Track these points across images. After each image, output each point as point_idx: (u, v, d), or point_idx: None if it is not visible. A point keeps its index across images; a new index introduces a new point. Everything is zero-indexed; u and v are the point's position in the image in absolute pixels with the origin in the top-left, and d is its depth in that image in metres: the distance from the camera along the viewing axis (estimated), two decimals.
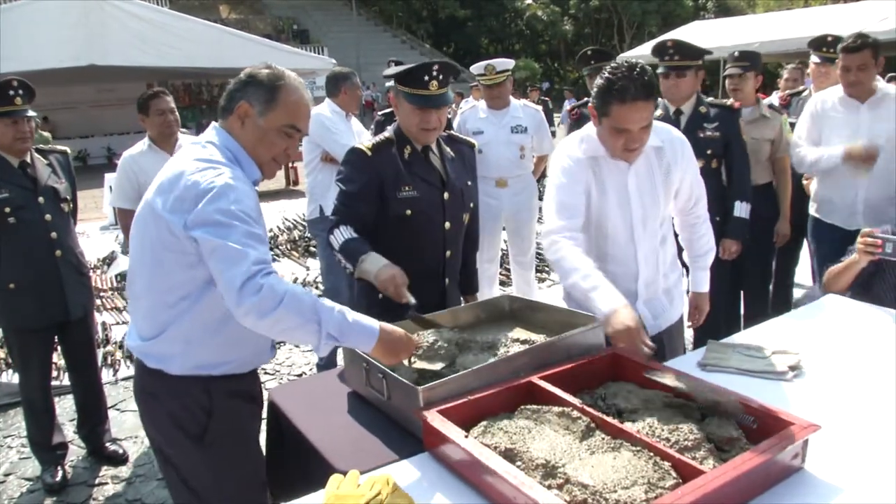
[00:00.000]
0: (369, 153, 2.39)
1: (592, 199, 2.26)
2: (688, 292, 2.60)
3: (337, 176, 2.50)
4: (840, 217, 3.46)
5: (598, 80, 2.09)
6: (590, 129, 2.26)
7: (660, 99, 3.77)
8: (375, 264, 2.20)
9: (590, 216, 2.27)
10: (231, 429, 1.87)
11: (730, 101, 3.54)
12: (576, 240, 2.14)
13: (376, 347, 1.71)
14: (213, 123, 1.87)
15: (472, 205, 2.61)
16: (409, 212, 2.40)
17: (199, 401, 1.83)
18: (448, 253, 2.50)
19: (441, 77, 2.32)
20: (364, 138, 3.93)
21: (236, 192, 1.65)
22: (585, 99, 3.79)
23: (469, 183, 2.60)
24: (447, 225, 2.47)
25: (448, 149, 2.56)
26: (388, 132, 2.49)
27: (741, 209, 3.42)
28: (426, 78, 2.30)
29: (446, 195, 2.47)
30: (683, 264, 2.56)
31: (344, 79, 4.47)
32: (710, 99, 3.52)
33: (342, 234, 2.34)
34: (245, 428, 1.93)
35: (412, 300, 2.14)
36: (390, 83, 2.61)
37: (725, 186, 3.48)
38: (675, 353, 2.46)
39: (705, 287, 2.54)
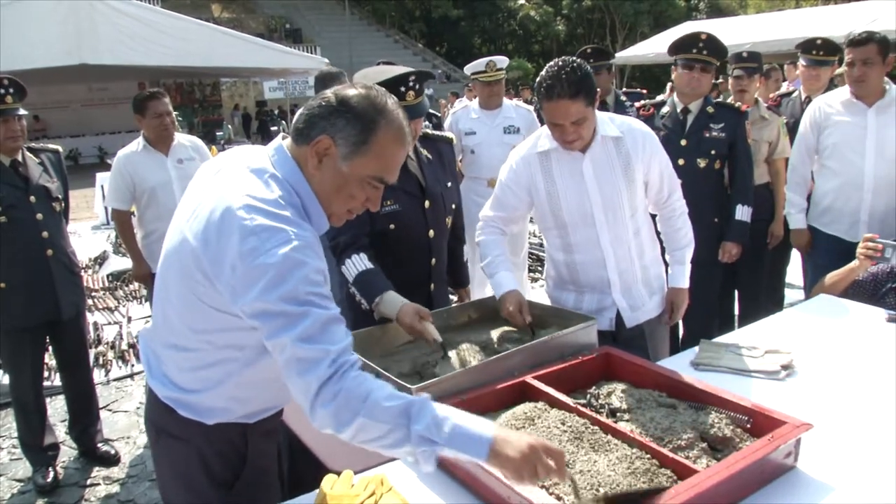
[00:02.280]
0: None
1: (541, 192, 2.34)
2: None
3: None
4: (841, 227, 3.37)
5: (538, 79, 2.17)
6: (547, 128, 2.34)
7: (665, 96, 3.78)
8: (393, 306, 2.09)
9: (544, 209, 2.37)
10: (260, 471, 1.68)
11: (737, 104, 3.53)
12: (500, 231, 2.48)
13: (492, 460, 1.28)
14: (279, 141, 1.49)
15: (453, 206, 2.56)
16: (392, 226, 2.32)
17: (237, 446, 1.61)
18: (433, 261, 2.46)
19: (417, 87, 2.27)
20: None
21: (306, 268, 1.31)
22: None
23: (449, 185, 2.53)
24: (431, 233, 2.42)
25: (424, 151, 2.48)
26: None
27: (742, 213, 3.40)
28: (402, 89, 2.22)
29: (427, 203, 2.39)
30: (668, 263, 2.57)
31: (332, 79, 4.45)
32: (718, 100, 3.52)
33: (355, 266, 2.21)
34: (270, 468, 1.73)
35: (439, 338, 2.03)
36: None
37: (726, 188, 3.48)
38: (658, 347, 2.48)
39: (684, 282, 2.50)
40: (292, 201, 1.40)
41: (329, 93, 1.43)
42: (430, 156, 2.49)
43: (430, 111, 4.68)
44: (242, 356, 1.48)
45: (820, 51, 4.13)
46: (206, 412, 1.54)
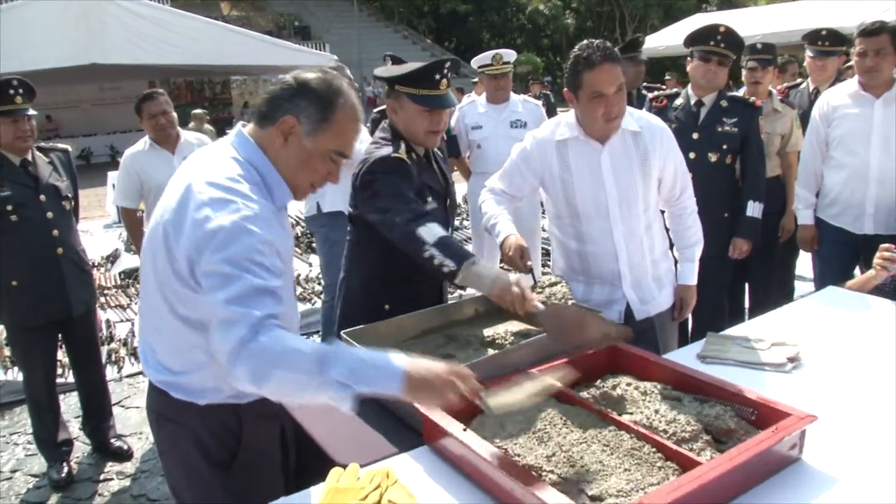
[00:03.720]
0: (409, 161, 2.22)
1: (556, 180, 2.33)
2: None
3: (373, 188, 2.20)
4: (847, 220, 3.36)
5: (568, 64, 2.19)
6: (568, 115, 2.33)
7: (678, 88, 3.76)
8: (490, 271, 1.97)
9: (559, 197, 2.36)
10: (258, 454, 1.73)
11: (752, 98, 3.50)
12: (505, 197, 2.45)
13: (407, 389, 1.35)
14: (239, 128, 1.61)
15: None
16: None
17: (230, 427, 1.68)
18: None
19: (449, 75, 2.25)
20: (362, 135, 3.91)
21: (252, 237, 1.39)
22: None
23: (452, 182, 2.55)
24: (448, 231, 2.44)
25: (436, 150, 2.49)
26: (386, 133, 2.31)
27: (754, 209, 3.37)
28: (437, 77, 2.18)
29: (448, 201, 2.43)
30: (675, 258, 2.57)
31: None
32: (732, 94, 3.49)
33: (434, 230, 2.04)
34: (270, 452, 1.78)
35: (540, 306, 1.94)
36: (370, 84, 2.44)
37: (738, 183, 3.46)
38: (667, 340, 2.48)
39: (692, 280, 2.52)
40: (251, 178, 1.50)
41: (289, 77, 1.55)
42: (440, 153, 2.53)
43: None
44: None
45: (825, 41, 4.09)
46: (198, 393, 1.61)
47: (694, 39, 3.34)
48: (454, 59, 2.34)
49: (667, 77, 16.37)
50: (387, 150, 2.23)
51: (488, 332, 2.15)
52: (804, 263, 4.36)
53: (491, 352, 1.97)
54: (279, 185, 1.56)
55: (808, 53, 4.17)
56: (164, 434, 1.70)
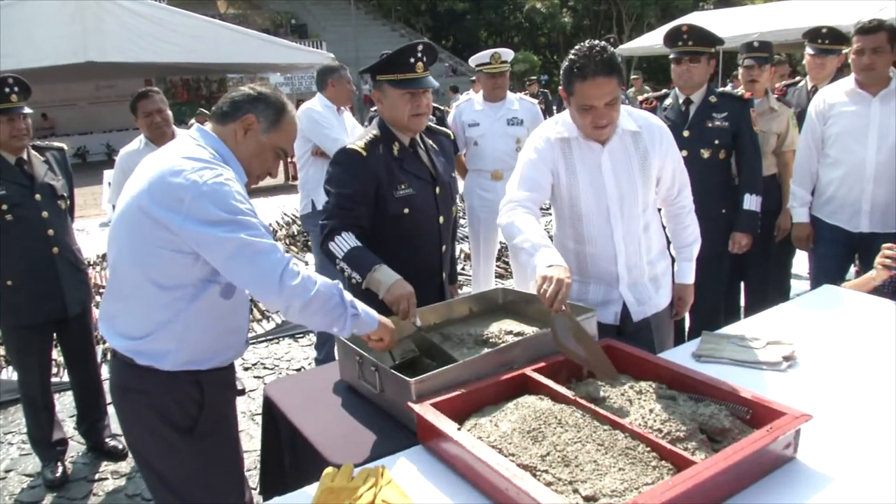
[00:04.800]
0: (364, 153, 2.33)
1: (561, 180, 2.29)
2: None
3: (327, 179, 2.40)
4: (843, 218, 3.35)
5: (564, 63, 2.14)
6: (564, 114, 2.31)
7: (669, 88, 3.76)
8: (389, 277, 2.15)
9: (562, 197, 2.32)
10: (219, 420, 1.93)
11: (740, 92, 3.50)
12: (533, 211, 2.20)
13: (374, 332, 1.86)
14: (197, 125, 1.90)
15: (456, 196, 2.62)
16: (406, 210, 2.37)
17: (191, 394, 1.86)
18: (444, 247, 2.51)
19: (425, 58, 2.31)
20: (357, 132, 3.91)
21: (238, 191, 1.71)
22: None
23: (453, 175, 2.60)
24: (441, 220, 2.47)
25: (430, 141, 2.54)
26: (374, 129, 2.43)
27: (752, 202, 3.38)
28: (412, 60, 2.27)
29: (438, 189, 2.46)
30: (673, 257, 2.56)
31: (332, 72, 4.46)
32: (721, 89, 3.49)
33: (345, 242, 2.24)
34: (230, 418, 2.02)
35: (418, 322, 2.12)
36: (367, 83, 2.53)
37: (734, 178, 3.46)
38: (663, 340, 2.47)
39: (690, 279, 2.53)
40: (216, 158, 1.78)
41: (247, 88, 1.89)
42: (435, 146, 2.52)
43: (435, 105, 4.67)
44: (185, 294, 1.77)
45: (825, 39, 4.09)
46: (161, 355, 1.80)
47: (666, 43, 3.38)
48: (427, 42, 2.39)
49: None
50: (354, 142, 2.39)
51: (483, 330, 2.15)
52: (801, 262, 4.36)
53: (485, 350, 1.96)
54: (236, 166, 1.84)
55: (808, 51, 4.16)
56: (128, 406, 1.87)
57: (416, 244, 2.41)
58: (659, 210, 2.51)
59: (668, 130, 2.36)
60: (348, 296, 1.80)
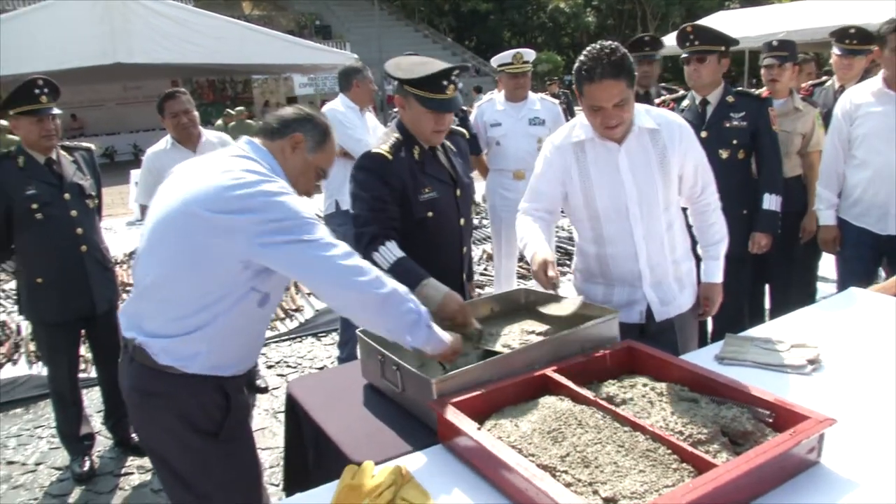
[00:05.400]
0: (390, 157, 2.33)
1: (574, 183, 2.31)
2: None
3: (354, 185, 2.39)
4: (870, 220, 3.30)
5: (576, 64, 2.15)
6: (582, 117, 2.30)
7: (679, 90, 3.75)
8: (438, 292, 2.13)
9: (577, 200, 2.33)
10: (240, 423, 1.95)
11: (758, 91, 3.47)
12: (542, 218, 2.37)
13: (440, 351, 1.85)
14: (247, 138, 1.92)
15: (474, 197, 2.63)
16: (430, 213, 2.38)
17: (216, 400, 1.87)
18: (464, 249, 2.52)
19: (456, 81, 2.31)
20: (379, 132, 3.93)
21: (300, 200, 1.77)
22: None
23: (471, 175, 2.61)
24: (462, 221, 2.49)
25: (448, 142, 2.54)
26: (395, 132, 2.42)
27: (771, 202, 3.34)
28: (445, 83, 2.27)
29: (458, 192, 2.47)
30: (698, 257, 2.54)
31: (355, 73, 4.49)
32: (739, 89, 3.46)
33: (390, 253, 2.25)
34: (247, 420, 2.05)
35: (478, 326, 2.12)
36: (390, 83, 2.53)
37: (754, 178, 3.42)
38: (687, 341, 2.45)
39: (718, 277, 2.49)
40: (272, 174, 1.81)
41: (295, 108, 1.99)
42: (453, 147, 2.54)
43: None
44: (227, 299, 1.78)
45: (853, 39, 4.03)
46: (189, 357, 1.80)
47: (678, 46, 3.37)
48: (464, 65, 2.43)
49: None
50: (379, 146, 2.38)
51: (503, 331, 2.15)
52: (827, 265, 4.30)
53: (506, 350, 1.96)
54: (285, 181, 1.85)
55: (835, 51, 4.10)
56: (149, 409, 1.86)
57: (438, 247, 2.42)
58: (685, 210, 2.49)
59: (689, 128, 2.35)
60: (422, 307, 1.81)
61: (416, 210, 2.35)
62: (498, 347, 2.01)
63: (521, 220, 2.40)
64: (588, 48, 2.13)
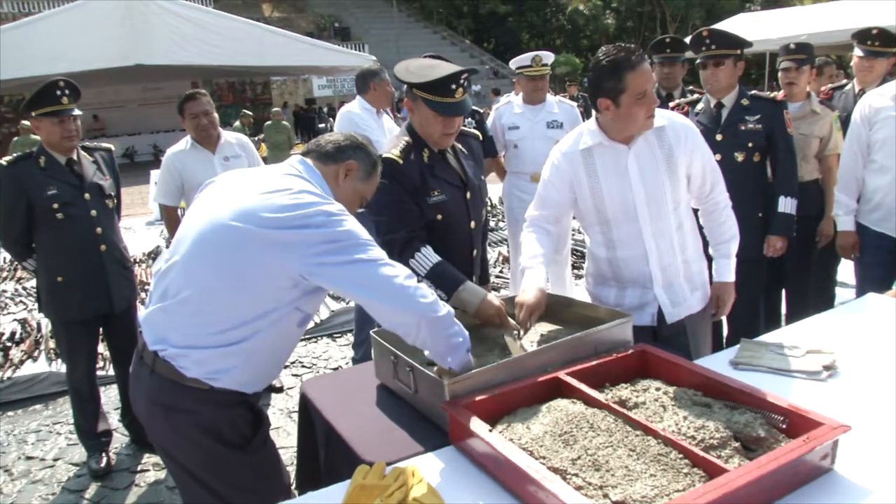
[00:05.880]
0: (400, 161, 2.34)
1: (584, 189, 2.31)
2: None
3: (377, 193, 2.33)
4: (891, 225, 3.26)
5: (595, 72, 2.16)
6: (590, 123, 2.32)
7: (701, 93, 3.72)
8: (476, 296, 2.17)
9: (587, 205, 2.34)
10: (265, 434, 1.92)
11: (773, 94, 3.44)
12: (545, 231, 2.42)
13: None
14: (301, 158, 1.92)
15: (485, 199, 2.63)
16: (439, 216, 2.38)
17: (243, 414, 1.85)
18: (475, 252, 2.52)
19: (465, 84, 2.31)
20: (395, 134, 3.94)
21: (358, 223, 1.75)
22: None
23: (482, 177, 2.61)
24: (472, 224, 2.48)
25: (458, 144, 2.54)
26: (405, 135, 2.43)
27: (786, 205, 3.31)
28: (453, 87, 2.27)
29: (468, 194, 2.47)
30: (710, 258, 2.53)
31: (372, 75, 4.50)
32: (753, 92, 3.44)
33: (426, 259, 2.27)
34: (269, 431, 1.97)
35: (516, 325, 2.13)
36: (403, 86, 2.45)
37: (769, 181, 3.40)
38: (700, 345, 2.44)
39: (730, 276, 2.47)
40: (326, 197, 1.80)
41: (347, 135, 1.99)
42: (464, 150, 2.53)
43: (474, 108, 4.69)
44: (269, 317, 1.74)
45: (875, 41, 3.98)
46: (221, 371, 1.75)
47: (692, 50, 3.37)
48: (472, 69, 2.41)
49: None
50: (389, 150, 2.39)
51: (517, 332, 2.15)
52: (847, 269, 4.25)
53: (520, 353, 1.97)
54: None
55: (857, 53, 4.06)
56: (173, 424, 1.79)
57: (448, 250, 2.40)
58: (695, 211, 2.48)
59: (693, 127, 2.36)
60: (465, 331, 1.81)
61: (425, 213, 2.36)
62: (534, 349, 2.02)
63: (526, 236, 2.42)
64: (602, 52, 2.16)
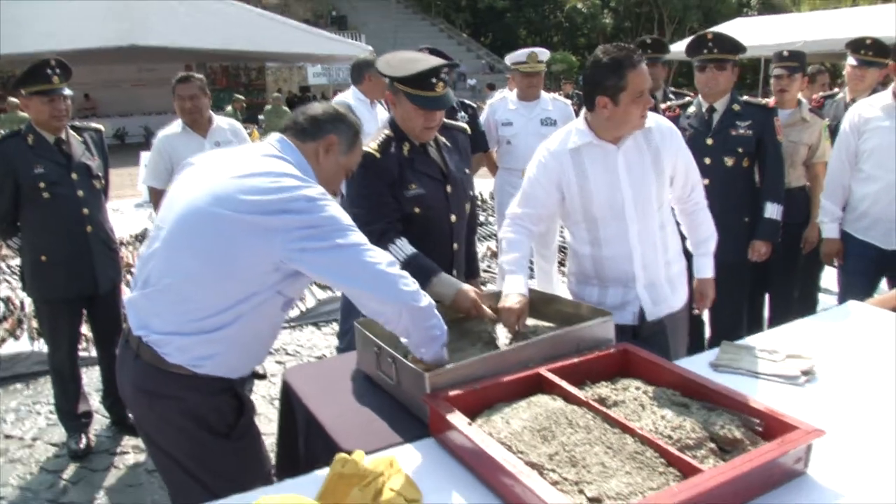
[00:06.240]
0: (378, 155, 2.34)
1: (572, 188, 2.32)
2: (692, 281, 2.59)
3: (351, 183, 2.38)
4: (876, 235, 3.29)
5: (595, 69, 2.16)
6: (578, 122, 2.33)
7: (692, 96, 3.74)
8: (451, 287, 2.17)
9: (574, 204, 2.35)
10: (249, 420, 1.91)
11: (765, 100, 3.47)
12: (527, 231, 2.41)
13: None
14: (280, 136, 1.85)
15: (471, 193, 2.62)
16: (417, 210, 2.38)
17: (228, 401, 1.83)
18: (455, 246, 2.52)
19: (446, 78, 2.31)
20: None
21: (340, 207, 1.71)
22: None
23: (466, 171, 2.60)
24: (453, 218, 2.48)
25: (442, 138, 2.53)
26: (386, 128, 2.43)
27: (773, 210, 3.35)
28: (433, 80, 2.26)
29: (449, 188, 2.46)
30: (688, 255, 2.57)
31: (368, 66, 4.49)
32: (745, 98, 3.47)
33: (401, 250, 2.27)
34: (253, 417, 1.96)
35: (492, 315, 2.15)
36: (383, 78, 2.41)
37: (757, 187, 3.43)
38: (678, 344, 2.49)
39: (709, 273, 2.53)
40: (303, 178, 1.74)
41: (325, 106, 1.90)
42: (448, 143, 2.53)
43: (466, 102, 4.69)
44: (252, 301, 1.72)
45: (869, 51, 4.01)
46: (203, 358, 1.73)
47: (689, 52, 3.38)
48: (452, 63, 2.40)
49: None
50: (367, 144, 2.37)
51: (502, 328, 2.16)
52: (830, 276, 4.29)
53: (500, 348, 1.98)
54: None
55: (850, 62, 4.09)
56: (157, 410, 1.78)
57: (426, 244, 2.39)
58: (672, 211, 2.51)
59: (677, 130, 2.41)
60: (443, 325, 1.81)
61: (402, 206, 2.36)
62: (506, 344, 2.05)
63: (507, 236, 2.41)
64: (601, 51, 2.18)
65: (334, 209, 1.68)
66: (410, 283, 1.70)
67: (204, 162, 1.84)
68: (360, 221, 2.28)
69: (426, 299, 1.72)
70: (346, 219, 1.69)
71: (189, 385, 1.74)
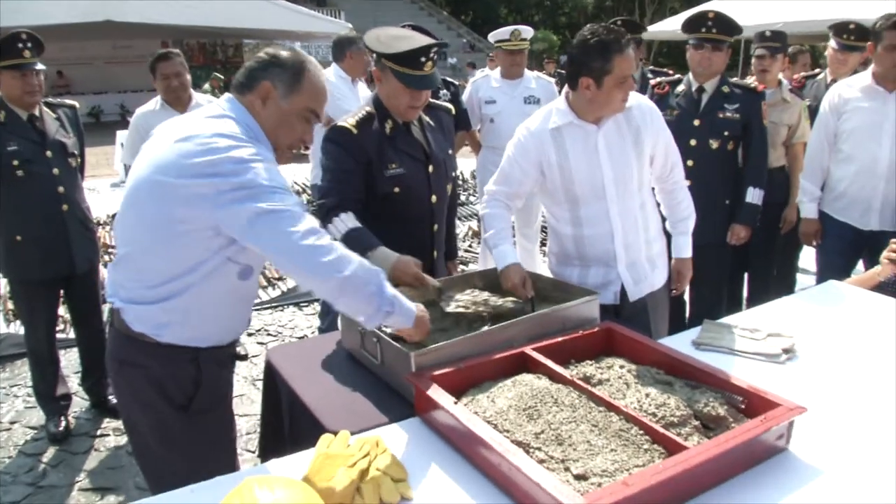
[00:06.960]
0: (354, 131, 2.31)
1: (553, 168, 2.32)
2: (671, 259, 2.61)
3: (323, 156, 2.37)
4: (854, 215, 3.33)
5: (581, 50, 2.15)
6: (559, 102, 2.33)
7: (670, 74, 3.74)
8: (387, 260, 2.12)
9: (555, 184, 2.35)
10: (216, 398, 1.89)
11: (754, 84, 3.47)
12: (505, 205, 2.43)
13: (412, 327, 1.77)
14: (227, 95, 1.80)
15: (453, 174, 2.61)
16: (396, 189, 2.36)
17: (189, 371, 1.81)
18: (435, 227, 2.50)
19: (436, 58, 2.28)
20: None
21: (270, 168, 1.63)
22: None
23: (449, 152, 2.58)
24: (433, 199, 2.46)
25: (426, 117, 2.51)
26: (368, 105, 2.40)
27: (754, 195, 3.37)
28: (423, 59, 2.23)
29: (431, 168, 2.44)
30: (667, 234, 2.59)
31: (349, 43, 4.44)
32: (734, 80, 3.46)
33: (343, 223, 2.23)
34: (227, 396, 1.97)
35: (436, 283, 2.14)
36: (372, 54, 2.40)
37: (740, 170, 3.44)
38: (659, 321, 2.51)
39: (687, 252, 2.56)
40: (247, 133, 1.70)
41: (262, 53, 1.79)
42: (431, 122, 2.51)
43: (449, 80, 4.65)
44: (200, 270, 1.70)
45: (851, 35, 4.02)
46: (161, 326, 1.75)
47: (687, 28, 3.34)
48: (442, 42, 2.36)
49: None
50: (346, 119, 2.36)
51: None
52: (808, 256, 4.34)
53: (485, 328, 1.98)
54: (265, 143, 1.76)
55: (832, 45, 4.11)
56: (125, 378, 1.83)
57: (406, 223, 2.38)
58: (652, 190, 2.52)
59: (656, 108, 2.41)
60: (390, 289, 1.70)
61: (380, 185, 2.34)
62: (451, 309, 2.06)
63: (487, 209, 2.45)
64: (587, 30, 2.16)
65: (263, 169, 1.60)
66: (333, 252, 1.60)
67: (159, 131, 1.80)
68: (320, 193, 2.32)
69: (351, 268, 1.60)
70: (275, 181, 1.60)
71: (153, 353, 1.77)
